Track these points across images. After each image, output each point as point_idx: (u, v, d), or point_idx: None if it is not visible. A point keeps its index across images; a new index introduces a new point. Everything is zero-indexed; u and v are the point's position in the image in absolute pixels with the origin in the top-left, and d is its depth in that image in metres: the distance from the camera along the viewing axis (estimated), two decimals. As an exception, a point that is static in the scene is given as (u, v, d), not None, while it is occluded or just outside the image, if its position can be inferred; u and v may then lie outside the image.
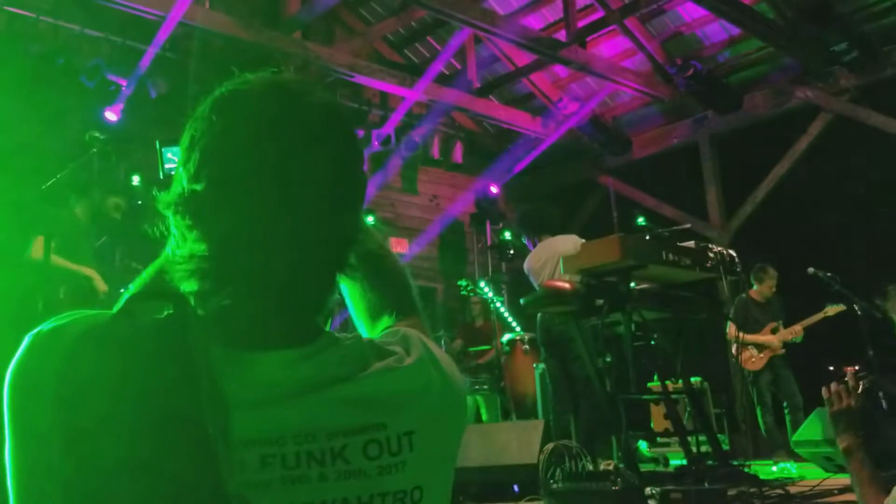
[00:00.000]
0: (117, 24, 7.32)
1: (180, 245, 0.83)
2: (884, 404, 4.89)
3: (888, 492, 2.14)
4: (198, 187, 0.82)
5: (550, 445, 3.96)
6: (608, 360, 4.53)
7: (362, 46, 9.00)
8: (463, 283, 8.37)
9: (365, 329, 1.10)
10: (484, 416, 7.46)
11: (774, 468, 5.36)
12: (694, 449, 4.74)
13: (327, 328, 0.92)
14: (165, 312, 0.70)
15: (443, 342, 7.74)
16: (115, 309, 0.72)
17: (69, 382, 0.69)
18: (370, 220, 8.69)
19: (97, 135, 4.76)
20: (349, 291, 1.11)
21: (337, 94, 8.80)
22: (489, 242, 10.13)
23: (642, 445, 6.10)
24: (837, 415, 2.40)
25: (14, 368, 0.74)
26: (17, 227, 4.69)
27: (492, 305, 8.20)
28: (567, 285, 4.35)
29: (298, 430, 0.79)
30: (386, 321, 1.07)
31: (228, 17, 7.26)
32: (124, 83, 7.02)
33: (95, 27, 7.12)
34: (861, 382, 2.42)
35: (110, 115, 6.96)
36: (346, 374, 0.84)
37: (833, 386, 2.42)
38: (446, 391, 0.92)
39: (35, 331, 0.76)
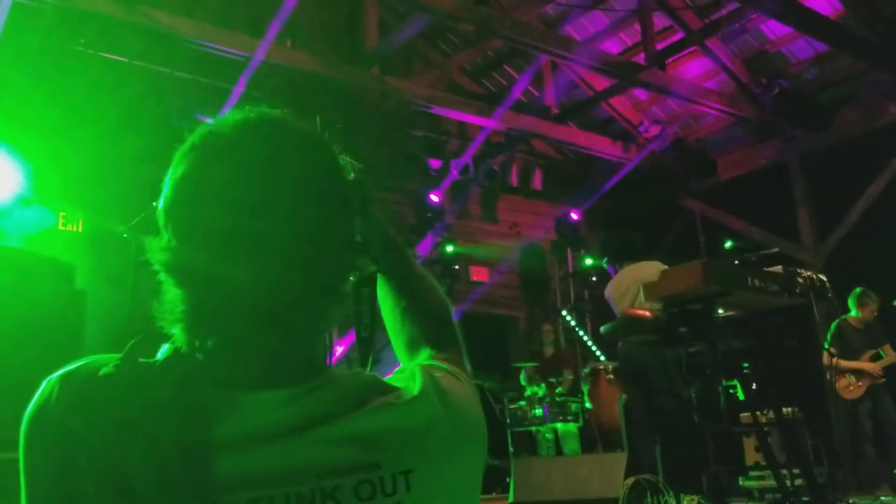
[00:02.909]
0: (205, 65, 7.63)
1: (166, 289, 0.84)
2: None
3: None
4: (167, 237, 0.83)
5: (631, 480, 3.84)
6: (693, 390, 4.39)
7: (440, 78, 9.10)
8: (564, 312, 8.28)
9: (403, 361, 1.08)
10: (565, 448, 7.31)
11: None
12: (788, 483, 4.53)
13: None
14: (162, 356, 0.77)
15: (522, 373, 7.64)
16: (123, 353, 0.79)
17: (65, 428, 0.76)
18: (449, 248, 8.74)
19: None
20: (389, 324, 1.10)
21: (412, 126, 8.93)
22: (571, 269, 10.01)
23: None
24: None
25: (27, 412, 0.80)
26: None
27: (574, 333, 8.09)
28: (648, 314, 4.25)
29: (288, 472, 0.78)
30: (424, 355, 1.05)
31: (309, 54, 7.47)
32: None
33: (184, 69, 7.43)
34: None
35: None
36: (339, 412, 0.82)
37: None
38: (455, 428, 0.88)
39: (52, 375, 0.81)
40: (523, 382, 7.53)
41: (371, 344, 1.07)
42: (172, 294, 0.83)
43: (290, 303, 0.82)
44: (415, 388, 0.88)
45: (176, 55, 7.43)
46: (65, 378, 0.80)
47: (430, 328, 1.08)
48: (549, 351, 8.21)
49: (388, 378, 0.91)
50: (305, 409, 0.81)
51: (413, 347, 1.07)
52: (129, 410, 0.75)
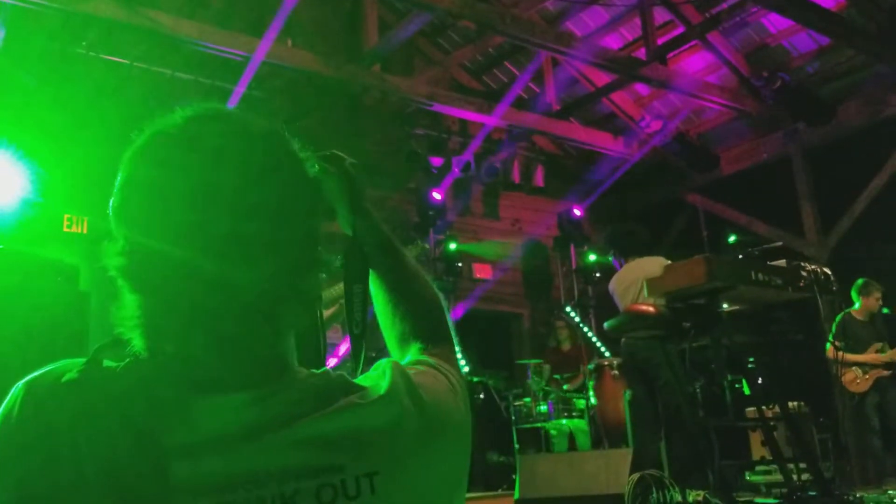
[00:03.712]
0: (206, 66, 7.64)
1: (122, 294, 0.83)
2: None
3: None
4: (121, 241, 0.82)
5: (636, 476, 3.84)
6: (698, 385, 4.39)
7: (441, 75, 9.09)
8: (567, 308, 8.29)
9: (395, 357, 1.05)
10: (579, 444, 7.31)
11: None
12: (795, 477, 4.52)
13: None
14: (123, 362, 0.77)
15: (530, 370, 7.65)
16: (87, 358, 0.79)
17: (24, 437, 0.76)
18: (452, 246, 8.74)
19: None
20: (381, 319, 1.09)
21: (413, 124, 8.92)
22: (574, 266, 10.00)
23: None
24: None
25: None
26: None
27: (578, 330, 8.09)
28: (651, 309, 4.25)
29: (247, 477, 0.76)
30: (414, 350, 1.03)
31: (310, 54, 7.47)
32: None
33: (186, 70, 7.43)
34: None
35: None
36: (301, 413, 0.80)
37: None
38: (427, 425, 0.85)
39: (20, 382, 0.81)
40: (535, 379, 7.50)
41: (363, 341, 1.06)
42: (128, 299, 0.82)
43: (244, 305, 0.80)
44: (383, 386, 0.86)
45: (177, 56, 7.44)
46: (29, 385, 0.80)
47: (420, 324, 1.06)
48: (566, 346, 8.19)
49: (361, 376, 0.90)
50: (265, 411, 0.79)
51: (404, 343, 1.05)
52: (86, 418, 0.75)
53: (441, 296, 1.13)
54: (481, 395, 8.05)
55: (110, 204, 0.84)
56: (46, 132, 6.36)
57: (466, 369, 7.96)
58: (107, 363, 0.80)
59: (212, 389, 0.79)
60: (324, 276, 1.00)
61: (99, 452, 0.73)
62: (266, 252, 0.81)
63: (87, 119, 6.46)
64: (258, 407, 0.79)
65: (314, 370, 0.88)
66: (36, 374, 0.81)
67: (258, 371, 0.82)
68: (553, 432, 7.42)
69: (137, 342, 0.81)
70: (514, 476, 5.78)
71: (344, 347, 6.41)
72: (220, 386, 0.79)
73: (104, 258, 0.82)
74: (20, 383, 0.80)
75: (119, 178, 0.84)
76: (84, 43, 6.82)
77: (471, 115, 8.68)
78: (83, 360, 0.80)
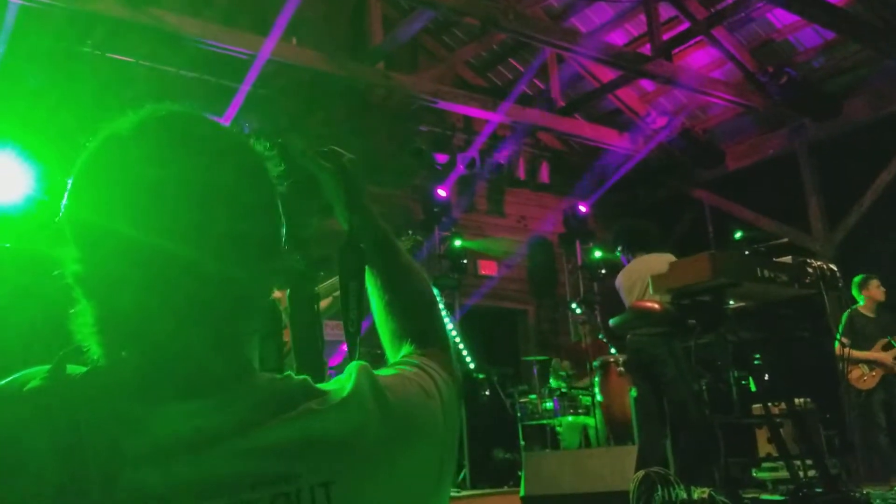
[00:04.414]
0: (211, 64, 7.66)
1: (78, 301, 0.81)
2: None
3: None
4: (73, 248, 0.81)
5: (641, 473, 3.84)
6: (704, 382, 4.38)
7: (445, 72, 9.09)
8: (573, 304, 8.31)
9: (388, 355, 1.04)
10: (592, 439, 7.31)
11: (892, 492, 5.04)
12: (801, 474, 4.52)
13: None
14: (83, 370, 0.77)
15: (551, 365, 7.65)
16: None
17: None
18: (457, 243, 8.74)
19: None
20: (376, 317, 1.08)
21: (418, 121, 8.93)
22: (579, 262, 10.00)
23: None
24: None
25: None
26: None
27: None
28: (657, 306, 4.24)
29: (200, 486, 0.74)
30: (405, 350, 1.01)
31: (315, 52, 7.47)
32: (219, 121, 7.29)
33: (191, 69, 7.45)
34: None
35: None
36: (258, 421, 0.77)
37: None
38: (393, 429, 0.82)
39: None
40: (559, 374, 7.49)
41: (358, 338, 1.06)
42: (84, 306, 0.80)
43: (197, 313, 0.79)
44: (345, 390, 0.82)
45: (182, 55, 7.45)
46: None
47: (411, 323, 1.04)
48: (586, 342, 8.20)
49: (332, 380, 0.87)
50: (220, 419, 0.77)
51: (396, 342, 1.04)
52: (42, 427, 0.74)
53: (436, 297, 1.11)
54: (486, 392, 8.06)
55: (62, 209, 0.82)
56: (52, 131, 6.38)
57: (472, 366, 7.97)
58: (71, 370, 0.80)
59: (166, 398, 0.77)
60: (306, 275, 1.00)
61: (51, 462, 0.72)
62: (211, 259, 0.79)
63: (93, 117, 6.47)
64: (212, 414, 0.77)
65: (279, 374, 0.85)
66: (3, 381, 0.80)
67: (213, 378, 0.80)
68: (559, 428, 7.42)
69: (95, 349, 0.80)
70: (519, 473, 5.79)
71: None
72: (174, 394, 0.77)
73: (63, 265, 0.81)
74: None
75: (70, 181, 0.82)
76: (89, 42, 6.84)
77: (475, 112, 8.68)
78: (47, 367, 0.79)
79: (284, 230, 0.89)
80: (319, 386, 0.84)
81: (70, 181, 0.83)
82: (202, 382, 0.79)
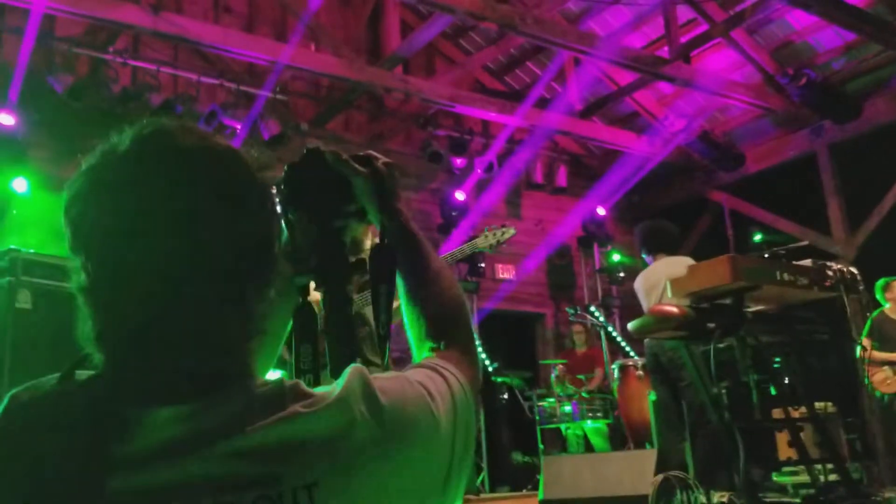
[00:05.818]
0: (231, 70, 7.74)
1: (80, 310, 0.85)
2: None
3: None
4: (78, 260, 0.84)
5: (660, 477, 3.83)
6: (723, 386, 4.36)
7: (463, 77, 9.11)
8: (570, 310, 8.27)
9: (414, 356, 1.05)
10: (596, 445, 7.30)
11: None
12: (822, 478, 4.49)
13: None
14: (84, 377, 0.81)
15: (554, 371, 7.63)
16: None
17: None
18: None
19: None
20: (405, 317, 1.09)
21: (436, 125, 8.94)
22: (598, 265, 9.97)
23: None
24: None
25: None
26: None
27: (602, 330, 8.07)
28: (675, 310, 4.22)
29: (183, 489, 0.75)
30: (426, 350, 1.03)
31: (333, 57, 7.52)
32: (238, 126, 7.36)
33: (211, 75, 7.53)
34: None
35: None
36: (244, 424, 0.78)
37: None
38: (383, 431, 0.82)
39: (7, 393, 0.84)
40: (555, 381, 7.51)
41: (388, 342, 1.07)
42: (85, 315, 0.84)
43: (187, 320, 0.82)
44: (334, 392, 0.83)
45: (202, 61, 7.52)
46: (12, 397, 0.83)
47: (435, 325, 1.05)
48: (581, 350, 8.19)
49: (311, 386, 0.88)
50: (205, 423, 0.78)
51: (420, 342, 1.05)
52: (43, 432, 0.78)
53: (464, 299, 1.12)
54: (505, 396, 8.06)
55: (63, 223, 0.85)
56: (74, 137, 6.46)
57: (491, 369, 7.97)
58: (79, 377, 0.83)
59: (154, 402, 0.79)
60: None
61: (41, 467, 0.76)
62: (196, 270, 0.82)
63: (111, 123, 6.55)
64: (198, 418, 0.79)
65: (313, 377, 0.88)
66: (19, 388, 0.83)
67: (201, 383, 0.81)
68: (567, 434, 7.44)
69: (97, 357, 0.83)
70: (538, 476, 5.79)
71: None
72: (162, 398, 0.79)
73: (70, 274, 0.85)
74: (7, 396, 0.83)
75: (68, 195, 0.85)
76: (110, 49, 6.93)
77: (493, 116, 8.69)
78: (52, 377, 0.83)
79: (282, 238, 0.92)
80: (313, 389, 0.85)
81: (69, 195, 0.86)
82: (189, 387, 0.81)
